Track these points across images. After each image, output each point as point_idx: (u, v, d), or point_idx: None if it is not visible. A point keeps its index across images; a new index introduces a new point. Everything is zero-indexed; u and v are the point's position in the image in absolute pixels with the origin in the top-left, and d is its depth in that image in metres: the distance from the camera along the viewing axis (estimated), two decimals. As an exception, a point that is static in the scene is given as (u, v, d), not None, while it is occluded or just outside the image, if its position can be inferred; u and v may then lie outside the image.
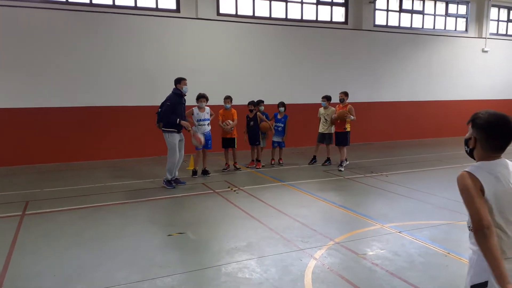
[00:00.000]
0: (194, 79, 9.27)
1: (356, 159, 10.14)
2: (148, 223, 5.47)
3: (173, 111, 7.24)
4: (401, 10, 14.14)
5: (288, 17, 12.43)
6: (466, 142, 2.14)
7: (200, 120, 8.19)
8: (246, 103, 9.14)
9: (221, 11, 11.49)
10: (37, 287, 3.67)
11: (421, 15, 14.54)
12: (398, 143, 13.62)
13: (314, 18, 12.83)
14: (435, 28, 14.83)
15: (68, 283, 3.71)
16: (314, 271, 3.91)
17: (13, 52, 9.48)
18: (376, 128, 13.76)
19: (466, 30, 15.35)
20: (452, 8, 15.07)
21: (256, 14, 11.99)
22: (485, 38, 15.47)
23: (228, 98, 8.71)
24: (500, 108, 2.15)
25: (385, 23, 13.90)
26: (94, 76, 10.24)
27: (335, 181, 7.98)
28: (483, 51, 15.54)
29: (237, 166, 8.99)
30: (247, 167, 9.21)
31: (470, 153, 2.15)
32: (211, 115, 8.42)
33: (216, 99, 9.59)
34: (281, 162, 9.57)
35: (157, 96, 9.35)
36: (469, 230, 2.06)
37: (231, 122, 8.58)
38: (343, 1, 13.15)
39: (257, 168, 9.13)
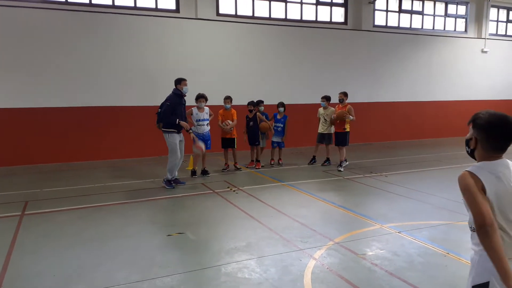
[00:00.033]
0: (193, 79, 9.28)
1: (355, 159, 10.15)
2: (148, 223, 5.47)
3: (173, 112, 7.24)
4: (400, 10, 14.16)
5: (288, 17, 12.44)
6: (467, 143, 2.14)
7: (199, 120, 8.20)
8: (246, 103, 9.15)
9: (220, 11, 11.49)
10: (37, 287, 3.68)
11: (421, 16, 14.55)
12: (397, 143, 13.63)
13: (314, 19, 12.84)
14: (435, 28, 14.85)
15: (68, 283, 3.72)
16: (314, 271, 3.91)
17: (13, 52, 9.48)
18: (375, 128, 13.77)
19: (466, 30, 15.37)
20: (452, 8, 15.09)
21: (255, 15, 11.99)
22: (485, 38, 15.50)
23: (228, 98, 8.71)
24: (499, 108, 2.16)
25: (384, 24, 13.92)
26: (94, 76, 10.24)
27: (335, 181, 7.99)
28: (483, 51, 15.56)
29: (238, 166, 8.99)
30: (247, 167, 9.21)
31: (471, 154, 2.14)
32: (210, 115, 8.42)
33: (215, 99, 9.60)
34: (280, 162, 9.58)
35: (157, 96, 9.36)
36: (471, 230, 2.06)
37: (230, 122, 8.59)
38: (343, 2, 13.16)
39: (256, 168, 9.13)
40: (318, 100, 9.57)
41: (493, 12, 15.85)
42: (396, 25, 14.15)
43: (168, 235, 4.95)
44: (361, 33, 13.26)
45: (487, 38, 15.56)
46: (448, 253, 4.31)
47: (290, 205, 6.23)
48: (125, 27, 10.42)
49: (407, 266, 4.01)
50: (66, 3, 9.96)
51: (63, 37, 9.89)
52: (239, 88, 11.13)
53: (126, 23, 10.41)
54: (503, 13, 16.27)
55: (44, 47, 9.73)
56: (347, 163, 9.27)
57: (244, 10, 11.88)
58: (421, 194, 6.87)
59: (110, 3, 10.38)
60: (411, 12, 14.36)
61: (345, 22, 13.23)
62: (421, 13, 14.53)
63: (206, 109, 8.32)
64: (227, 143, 8.77)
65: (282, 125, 9.35)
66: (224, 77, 11.43)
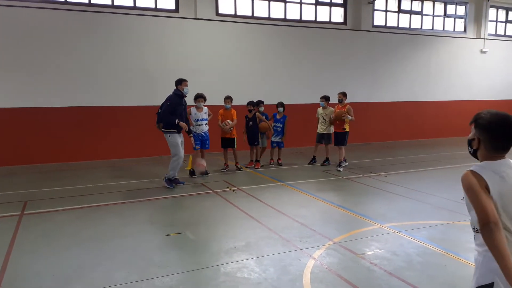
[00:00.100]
0: (193, 79, 9.26)
1: (355, 159, 10.16)
2: (147, 223, 5.47)
3: (172, 112, 7.24)
4: (399, 10, 14.17)
5: (287, 17, 12.44)
6: (470, 143, 2.13)
7: (198, 120, 8.20)
8: (245, 103, 9.15)
9: (220, 11, 11.50)
10: (36, 287, 3.68)
11: (420, 16, 14.56)
12: (397, 143, 13.64)
13: (313, 19, 12.85)
14: (434, 28, 14.86)
15: (67, 283, 3.72)
16: (313, 271, 3.92)
17: (12, 52, 9.47)
18: (375, 128, 13.78)
19: (465, 30, 15.39)
20: (451, 8, 15.10)
21: (255, 14, 12.00)
22: (484, 38, 15.51)
23: (228, 98, 8.71)
24: (499, 108, 2.17)
25: (383, 24, 13.92)
26: (93, 76, 10.24)
27: (334, 181, 7.99)
28: (482, 51, 15.58)
29: (239, 166, 8.99)
30: (246, 167, 9.21)
31: (474, 154, 2.13)
32: (209, 115, 8.42)
33: (215, 99, 9.61)
34: (280, 162, 9.58)
35: (157, 96, 9.38)
36: (474, 231, 2.05)
37: (230, 122, 8.59)
38: (342, 2, 13.16)
39: (256, 168, 9.13)
40: (317, 100, 9.58)
41: (492, 12, 15.87)
42: (395, 25, 14.16)
43: (167, 235, 4.96)
44: (361, 33, 13.27)
45: (486, 38, 15.58)
46: (447, 253, 4.31)
47: (290, 205, 6.24)
48: (124, 27, 10.42)
49: (406, 266, 4.02)
50: (66, 3, 9.96)
51: (62, 37, 9.88)
52: (238, 88, 11.13)
53: (125, 23, 10.41)
54: (502, 13, 16.29)
55: (43, 47, 9.72)
56: (347, 163, 9.28)
57: (244, 10, 11.89)
58: (420, 194, 6.88)
59: (109, 3, 10.38)
60: (410, 12, 14.37)
61: (345, 22, 13.23)
62: (420, 13, 14.54)
63: (205, 109, 8.32)
64: (227, 143, 8.77)
65: (281, 125, 9.36)
66: (224, 77, 11.44)
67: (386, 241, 4.69)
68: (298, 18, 12.61)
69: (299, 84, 12.54)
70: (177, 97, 7.39)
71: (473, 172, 2.00)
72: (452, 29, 15.25)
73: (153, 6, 10.85)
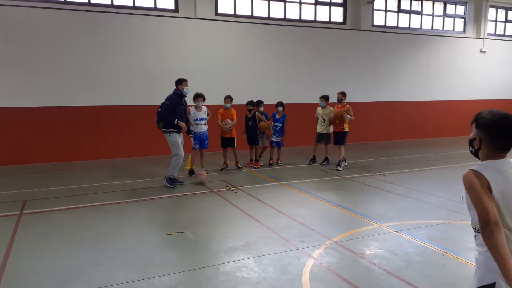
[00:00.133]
0: (192, 79, 9.25)
1: (354, 158, 10.16)
2: (146, 222, 5.47)
3: (172, 111, 7.24)
4: (399, 10, 14.17)
5: (287, 17, 12.44)
6: (471, 143, 2.12)
7: (197, 119, 8.20)
8: (245, 103, 9.15)
9: (219, 11, 11.49)
10: (35, 287, 3.67)
11: (419, 16, 14.57)
12: (396, 143, 13.64)
13: (313, 18, 12.85)
14: (433, 28, 14.86)
15: (67, 283, 3.71)
16: (312, 270, 3.92)
17: (11, 51, 9.46)
18: (374, 128, 13.79)
19: (464, 30, 15.40)
20: (450, 8, 15.10)
21: (254, 14, 11.99)
22: (483, 38, 15.52)
23: (228, 98, 8.71)
24: (498, 108, 2.17)
25: (383, 24, 13.93)
26: (93, 75, 10.23)
27: (333, 181, 7.99)
28: (481, 51, 15.59)
29: (239, 165, 8.98)
30: (246, 166, 9.21)
31: (475, 154, 2.13)
32: (208, 114, 8.42)
33: (214, 99, 9.60)
34: (279, 161, 9.58)
35: (156, 95, 9.37)
36: (475, 231, 2.04)
37: (230, 121, 8.59)
38: (342, 1, 13.16)
39: (255, 168, 9.13)
40: (317, 100, 9.58)
41: (491, 12, 15.87)
42: (395, 25, 14.16)
43: (167, 235, 4.96)
44: (360, 33, 13.27)
45: (486, 38, 15.58)
46: (446, 252, 4.31)
47: (289, 204, 6.24)
48: (124, 27, 10.41)
49: (405, 265, 4.02)
50: (65, 2, 9.95)
51: (61, 36, 9.87)
52: (238, 87, 11.13)
53: (125, 22, 10.40)
54: (501, 13, 16.30)
55: (42, 46, 9.71)
56: (346, 163, 9.28)
57: (243, 9, 11.88)
58: (419, 193, 6.88)
59: (109, 2, 10.37)
60: (410, 12, 14.37)
61: (344, 22, 13.23)
62: (419, 13, 14.54)
63: (204, 108, 8.32)
64: (227, 142, 8.77)
65: (281, 125, 9.36)
66: (223, 76, 11.43)
67: (385, 241, 4.69)
68: (298, 17, 12.61)
69: (298, 83, 12.54)
70: (177, 97, 7.39)
71: (475, 171, 1.99)
72: (452, 29, 15.26)
73: (152, 5, 10.84)
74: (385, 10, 13.93)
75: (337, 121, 9.05)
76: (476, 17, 15.40)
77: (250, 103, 9.08)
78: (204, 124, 8.31)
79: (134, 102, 10.64)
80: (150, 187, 7.47)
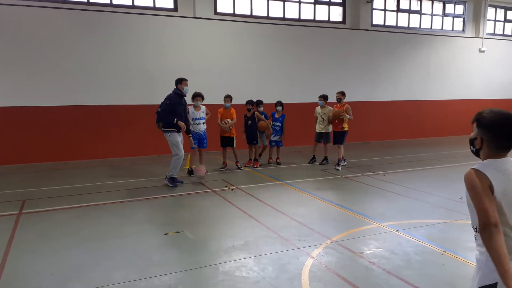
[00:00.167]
0: (191, 78, 9.23)
1: (354, 158, 10.16)
2: (145, 222, 5.46)
3: (172, 111, 7.23)
4: (398, 10, 14.18)
5: (286, 16, 12.44)
6: (472, 142, 2.12)
7: (196, 119, 8.19)
8: (244, 103, 9.15)
9: (218, 10, 11.48)
10: (35, 286, 3.67)
11: (419, 15, 14.58)
12: (396, 142, 13.65)
13: (312, 18, 12.85)
14: (433, 28, 14.88)
15: (66, 282, 3.71)
16: (311, 269, 3.92)
17: (10, 51, 9.44)
18: (374, 127, 13.79)
19: (463, 30, 15.41)
20: (449, 8, 15.12)
21: (253, 14, 11.99)
22: (482, 38, 15.53)
23: (228, 97, 8.71)
24: (497, 107, 2.17)
25: (382, 23, 13.93)
26: (92, 75, 10.21)
27: (332, 180, 8.00)
28: (480, 51, 15.60)
29: (239, 165, 8.98)
30: (245, 166, 9.21)
31: (476, 153, 2.12)
32: (207, 114, 8.41)
33: (213, 98, 9.60)
34: (278, 161, 9.58)
35: (155, 95, 9.36)
36: (475, 231, 2.04)
37: (229, 121, 8.58)
38: (341, 1, 13.16)
39: (254, 167, 9.13)
40: (316, 99, 9.58)
41: (490, 11, 15.89)
42: (394, 24, 14.17)
43: (166, 234, 4.95)
44: (359, 32, 13.27)
45: (485, 38, 15.60)
46: (445, 252, 4.32)
47: (288, 204, 6.24)
48: (123, 26, 10.39)
49: (405, 265, 4.02)
50: (64, 1, 9.93)
51: (60, 35, 9.85)
52: (237, 87, 11.12)
53: (124, 21, 10.39)
54: (500, 13, 16.31)
55: (41, 45, 9.69)
56: (346, 163, 9.29)
57: (242, 9, 11.88)
58: (419, 193, 6.89)
59: (108, 2, 10.35)
60: (409, 11, 14.38)
61: (343, 21, 13.24)
62: (419, 12, 14.55)
63: (203, 107, 8.32)
64: (226, 141, 8.76)
65: (280, 124, 9.36)
66: (222, 76, 11.43)
67: (385, 240, 4.70)
68: (297, 17, 12.61)
69: (297, 83, 12.54)
70: (177, 96, 7.38)
71: (476, 170, 1.98)
72: (451, 28, 15.27)
73: (151, 5, 10.83)
74: (384, 10, 13.94)
75: (336, 121, 9.06)
76: (475, 17, 15.42)
77: (250, 102, 9.08)
78: (203, 123, 8.30)
79: (133, 102, 10.63)
80: (149, 186, 7.46)
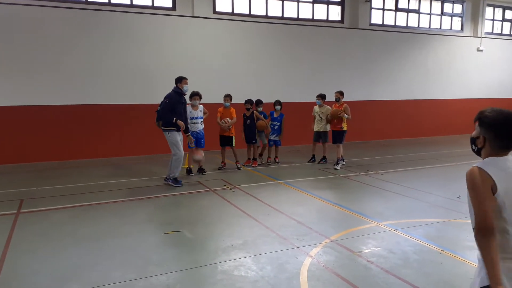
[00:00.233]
0: (190, 77, 9.22)
1: (352, 157, 10.17)
2: (144, 221, 5.46)
3: (171, 110, 7.22)
4: (397, 9, 14.19)
5: (284, 15, 12.44)
6: (473, 141, 2.11)
7: (193, 118, 8.18)
8: (243, 102, 9.14)
9: (217, 9, 11.47)
10: (33, 286, 3.66)
11: (417, 14, 14.59)
12: (395, 142, 13.67)
13: (311, 17, 12.84)
14: (431, 27, 14.89)
15: (64, 282, 3.71)
16: (310, 268, 3.93)
17: (10, 50, 9.42)
18: (372, 127, 13.81)
19: (462, 29, 15.43)
20: (448, 7, 15.13)
21: (252, 13, 11.98)
22: (480, 37, 15.55)
23: (227, 96, 8.70)
24: (495, 106, 2.16)
25: (381, 22, 13.94)
26: (91, 74, 10.19)
27: (331, 179, 8.00)
28: (478, 50, 15.63)
29: (239, 165, 8.97)
30: (244, 165, 9.21)
31: (478, 152, 2.12)
32: (204, 113, 8.41)
33: (212, 98, 9.59)
34: (277, 160, 9.58)
35: (154, 94, 9.34)
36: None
37: (229, 120, 8.58)
38: (339, 0, 13.16)
39: (253, 167, 9.13)
40: (314, 99, 9.58)
41: (489, 10, 15.91)
42: (393, 23, 14.18)
43: (165, 233, 4.95)
44: (358, 32, 13.28)
45: (483, 37, 15.62)
46: (443, 251, 4.32)
47: (287, 203, 6.24)
48: (121, 25, 10.38)
49: (403, 264, 4.03)
50: (63, 0, 9.90)
51: (59, 34, 9.83)
52: (235, 86, 11.10)
53: (122, 21, 10.37)
54: (498, 12, 16.34)
55: (40, 45, 9.66)
56: (344, 162, 9.29)
57: (241, 8, 11.87)
58: (417, 192, 6.90)
59: (106, 0, 10.33)
60: (408, 10, 14.39)
61: (342, 21, 13.24)
62: (417, 11, 14.56)
63: (201, 107, 8.31)
64: (225, 141, 8.76)
65: (278, 123, 9.36)
66: (221, 75, 11.42)
67: (383, 239, 4.71)
68: (296, 16, 12.60)
69: (296, 82, 12.54)
70: (177, 95, 7.37)
71: (480, 169, 1.97)
72: (449, 28, 15.29)
73: (150, 4, 10.81)
74: (383, 9, 13.95)
75: (335, 120, 9.06)
76: (473, 16, 15.44)
77: (248, 101, 9.08)
78: (201, 122, 8.30)
79: (133, 101, 10.61)
80: (148, 186, 7.46)
